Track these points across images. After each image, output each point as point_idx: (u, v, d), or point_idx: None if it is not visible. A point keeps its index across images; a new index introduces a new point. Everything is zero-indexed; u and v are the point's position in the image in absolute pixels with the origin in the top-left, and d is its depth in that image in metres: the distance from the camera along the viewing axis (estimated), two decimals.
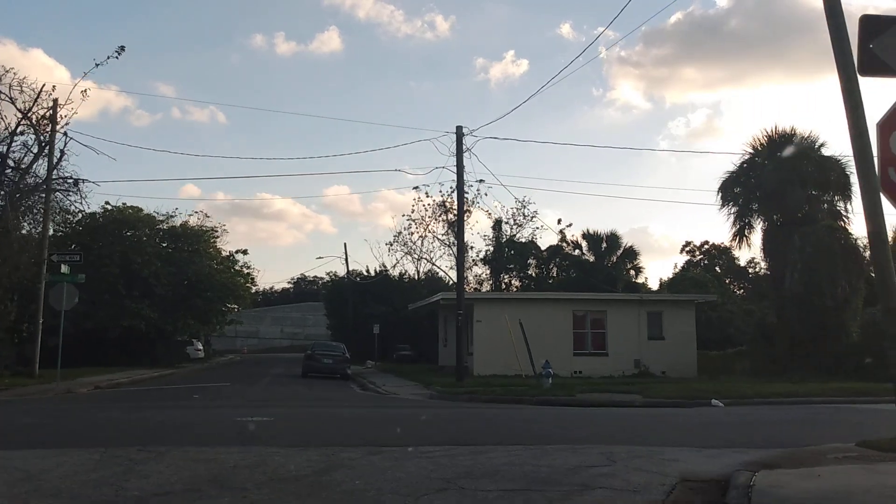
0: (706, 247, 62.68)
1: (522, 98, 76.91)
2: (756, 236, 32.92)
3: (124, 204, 43.80)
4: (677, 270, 59.85)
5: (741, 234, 32.97)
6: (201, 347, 54.62)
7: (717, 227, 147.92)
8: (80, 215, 41.63)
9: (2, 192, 24.35)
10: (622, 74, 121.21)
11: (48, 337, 38.00)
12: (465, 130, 26.15)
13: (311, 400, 21.09)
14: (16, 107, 23.99)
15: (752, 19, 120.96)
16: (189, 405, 17.96)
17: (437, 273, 59.30)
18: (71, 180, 27.33)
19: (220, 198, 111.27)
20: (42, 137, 26.08)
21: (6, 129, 24.06)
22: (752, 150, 32.77)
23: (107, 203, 43.11)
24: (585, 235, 49.38)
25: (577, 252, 50.62)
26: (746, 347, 36.06)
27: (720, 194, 33.25)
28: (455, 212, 56.00)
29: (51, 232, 39.91)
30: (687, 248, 63.32)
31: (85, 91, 26.33)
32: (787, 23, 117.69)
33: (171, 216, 45.64)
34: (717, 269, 61.36)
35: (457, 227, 25.91)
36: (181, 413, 15.51)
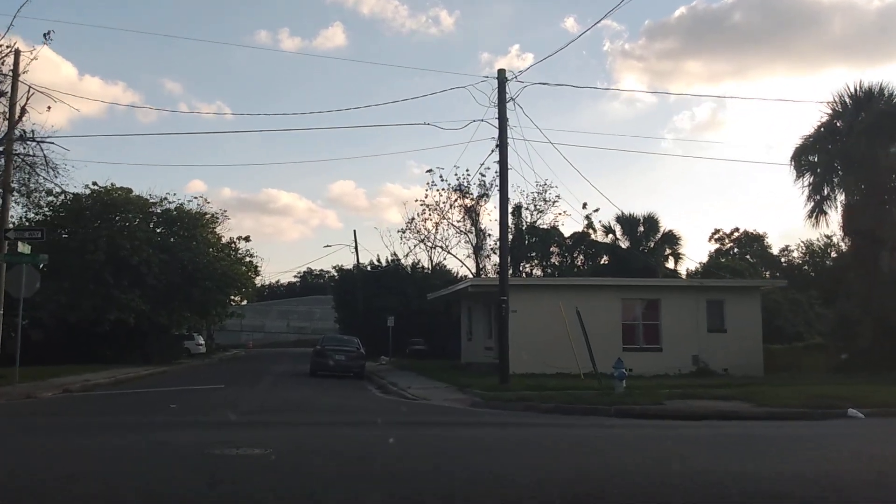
0: (736, 234, 57.30)
1: (529, 93, 70.76)
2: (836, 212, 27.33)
3: (112, 184, 38.37)
4: (702, 261, 54.49)
5: (818, 209, 27.44)
6: (203, 342, 49.23)
7: (733, 215, 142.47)
8: (62, 197, 36.45)
9: None
10: (626, 68, 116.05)
11: (32, 331, 33.11)
12: (508, 75, 20.71)
13: (323, 411, 15.66)
14: None
15: (756, 12, 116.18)
16: (155, 422, 12.51)
17: (446, 265, 54.27)
18: (33, 142, 21.95)
19: (227, 193, 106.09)
20: None
21: None
22: (830, 112, 27.22)
23: (94, 183, 37.75)
24: (620, 219, 43.95)
25: (609, 237, 45.09)
26: (823, 341, 30.54)
27: (793, 163, 27.80)
28: (473, 196, 51.32)
29: (33, 216, 34.82)
30: (716, 236, 57.92)
31: (48, 34, 20.70)
32: (790, 16, 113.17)
33: (165, 199, 40.12)
34: (749, 257, 56.00)
35: (500, 193, 20.62)
36: (133, 441, 10.10)
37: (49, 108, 28.97)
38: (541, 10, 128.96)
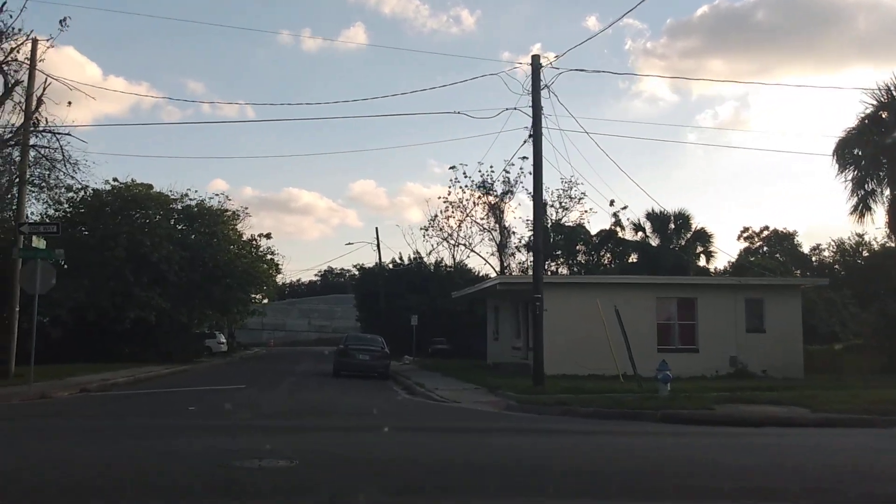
0: (766, 232, 55.70)
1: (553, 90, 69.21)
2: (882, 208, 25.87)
3: (133, 180, 37.58)
4: (731, 259, 52.93)
5: (863, 205, 26.01)
6: (224, 340, 48.31)
7: (762, 212, 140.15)
8: (82, 192, 35.70)
9: None
10: (648, 67, 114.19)
11: (52, 328, 32.37)
12: (542, 62, 19.56)
13: (347, 414, 14.62)
14: None
15: (779, 10, 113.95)
16: (171, 426, 11.51)
17: (467, 264, 53.18)
18: (50, 133, 21.10)
19: (248, 192, 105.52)
20: (10, 78, 19.78)
21: None
22: (875, 103, 25.77)
23: (114, 179, 36.97)
24: (650, 216, 42.52)
25: (639, 235, 43.69)
26: (861, 341, 29.11)
27: (835, 157, 26.39)
28: (497, 193, 50.24)
29: (53, 212, 34.12)
30: (745, 235, 56.32)
31: (64, 20, 19.82)
32: (814, 14, 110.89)
33: (186, 195, 39.25)
34: (778, 255, 54.39)
35: (534, 184, 19.48)
36: (144, 449, 9.10)
37: (69, 102, 28.29)
38: (562, 8, 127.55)
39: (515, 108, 19.98)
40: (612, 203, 45.80)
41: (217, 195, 47.23)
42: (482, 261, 53.29)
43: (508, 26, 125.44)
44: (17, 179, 21.78)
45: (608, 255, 48.95)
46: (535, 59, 19.75)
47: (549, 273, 47.23)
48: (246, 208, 57.20)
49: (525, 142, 20.30)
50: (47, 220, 28.13)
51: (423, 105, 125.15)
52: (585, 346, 24.17)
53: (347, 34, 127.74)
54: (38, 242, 20.21)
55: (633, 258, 46.23)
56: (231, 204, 41.40)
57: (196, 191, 60.97)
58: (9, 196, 23.75)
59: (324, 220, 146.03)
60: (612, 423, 13.73)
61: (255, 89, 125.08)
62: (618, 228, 47.39)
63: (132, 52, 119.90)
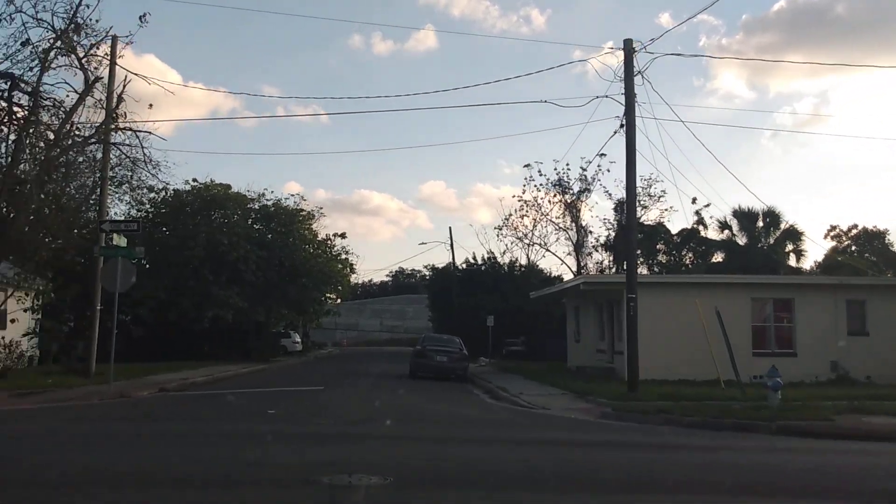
0: (854, 231, 52.64)
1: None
2: None
3: (212, 180, 37.62)
4: (818, 259, 50.14)
5: None
6: (299, 340, 48.15)
7: (850, 210, 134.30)
8: (163, 193, 35.86)
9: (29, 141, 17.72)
10: (723, 63, 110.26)
11: (134, 327, 32.48)
12: (635, 46, 18.22)
13: (436, 422, 13.60)
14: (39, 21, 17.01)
15: (860, 4, 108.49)
16: (251, 432, 10.70)
17: (538, 264, 51.87)
18: (130, 131, 20.78)
19: (321, 195, 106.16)
20: (90, 74, 19.48)
21: (36, 56, 17.23)
22: None
23: (193, 179, 37.06)
24: (737, 213, 40.37)
25: (725, 233, 41.59)
26: None
27: None
28: (573, 191, 48.78)
29: (135, 213, 34.31)
30: (832, 233, 53.34)
31: (143, 16, 19.45)
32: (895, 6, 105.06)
33: (263, 195, 39.11)
34: (868, 255, 51.26)
35: (626, 177, 18.15)
36: (225, 459, 8.25)
37: (150, 105, 28.36)
38: (634, 6, 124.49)
39: (606, 96, 18.69)
40: (693, 201, 43.85)
41: (292, 195, 47.19)
42: (557, 261, 52.10)
43: (579, 25, 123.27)
44: (100, 178, 21.55)
45: (689, 255, 46.94)
46: (628, 43, 18.42)
47: (623, 273, 45.57)
48: (321, 208, 57.18)
49: (615, 132, 19.02)
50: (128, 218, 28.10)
51: (497, 106, 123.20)
52: (677, 350, 22.70)
53: (417, 36, 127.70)
54: (119, 240, 19.92)
55: (718, 258, 44.15)
56: (306, 204, 41.21)
57: (272, 191, 61.21)
58: (92, 198, 23.67)
59: (394, 221, 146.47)
60: (725, 436, 12.39)
61: (329, 94, 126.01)
62: (700, 227, 45.39)
63: (210, 59, 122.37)
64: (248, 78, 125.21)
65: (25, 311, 23.98)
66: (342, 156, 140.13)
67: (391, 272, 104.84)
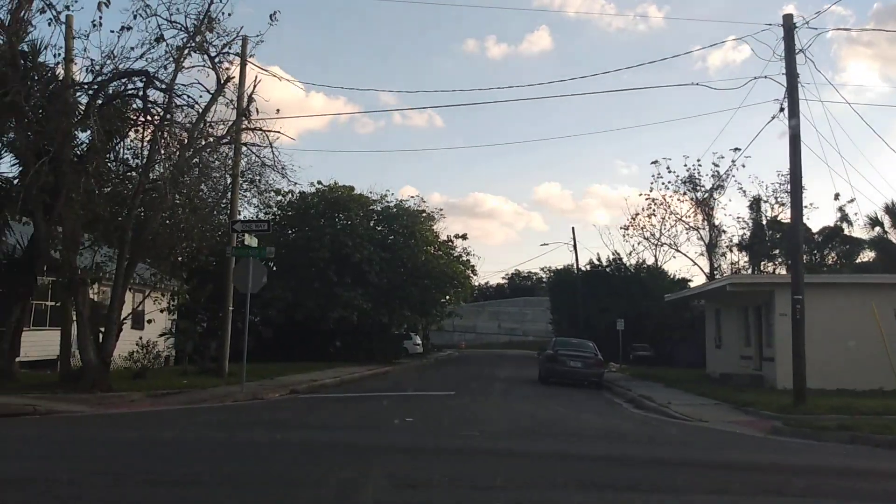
0: None
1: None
2: None
3: (335, 182, 37.57)
4: None
5: None
6: (419, 342, 47.68)
7: None
8: (289, 195, 36.11)
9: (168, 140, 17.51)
10: (852, 55, 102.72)
11: (263, 328, 32.75)
12: (796, 21, 16.25)
13: (593, 438, 12.11)
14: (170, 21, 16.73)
15: None
16: (395, 446, 9.67)
17: (660, 266, 49.35)
18: (260, 131, 20.45)
19: (437, 198, 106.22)
20: (221, 74, 19.21)
21: (170, 55, 17.02)
22: None
23: (318, 182, 37.10)
24: (889, 209, 36.86)
25: (875, 230, 38.02)
26: None
27: None
28: (704, 188, 46.17)
29: (263, 216, 34.59)
30: None
31: (274, 14, 19.03)
32: None
33: (385, 196, 38.76)
34: None
35: (790, 164, 16.23)
36: (373, 481, 7.18)
37: (278, 110, 28.25)
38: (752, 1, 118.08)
39: (765, 77, 16.79)
40: (836, 197, 40.47)
41: (412, 197, 46.77)
42: (684, 263, 49.49)
43: (700, 21, 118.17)
44: (231, 178, 21.43)
45: (832, 255, 43.40)
46: (788, 18, 16.47)
47: (760, 274, 42.56)
48: (440, 210, 56.67)
49: (774, 117, 17.06)
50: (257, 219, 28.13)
51: (617, 105, 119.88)
52: (839, 356, 20.33)
53: (531, 38, 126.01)
54: (251, 241, 19.63)
55: (865, 257, 40.52)
56: (425, 206, 40.57)
57: (392, 192, 61.08)
58: (224, 202, 23.68)
59: (509, 223, 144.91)
60: None
61: (444, 98, 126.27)
62: (844, 224, 41.81)
63: (330, 70, 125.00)
64: (365, 85, 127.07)
65: (162, 311, 24.28)
66: (456, 160, 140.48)
67: (507, 274, 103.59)
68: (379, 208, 38.89)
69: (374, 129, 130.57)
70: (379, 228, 38.70)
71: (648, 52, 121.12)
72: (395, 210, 38.78)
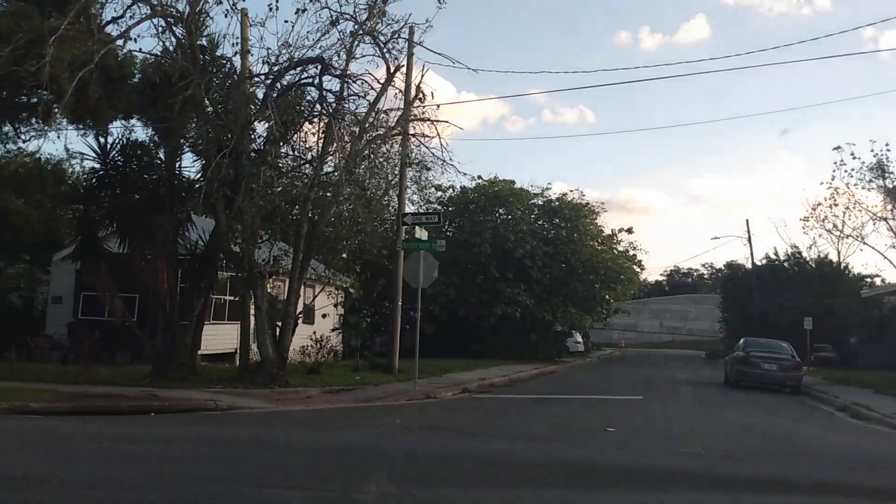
0: None
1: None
2: None
3: (496, 176, 36.59)
4: None
5: None
6: (580, 340, 45.92)
7: None
8: (450, 190, 35.53)
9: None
10: None
11: (426, 324, 32.31)
12: None
13: (833, 456, 10.17)
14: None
15: None
16: (613, 465, 8.27)
17: (844, 260, 44.92)
18: (427, 121, 19.61)
19: (589, 195, 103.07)
20: (390, 63, 18.51)
21: (342, 44, 16.44)
22: None
23: (478, 176, 36.25)
24: None
25: None
26: None
27: None
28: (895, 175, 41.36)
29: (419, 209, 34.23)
30: None
31: None
32: None
33: (546, 189, 37.37)
34: None
35: None
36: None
37: (438, 106, 27.44)
38: None
39: None
40: None
41: (572, 191, 44.94)
42: (873, 256, 44.81)
43: (867, 3, 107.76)
44: (398, 171, 20.79)
45: None
46: None
47: None
48: (603, 203, 54.55)
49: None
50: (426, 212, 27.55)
51: (783, 92, 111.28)
52: None
53: (687, 27, 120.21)
54: (421, 233, 18.90)
55: None
56: (586, 199, 38.73)
57: (550, 186, 59.21)
58: (386, 198, 23.17)
59: (664, 218, 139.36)
60: None
61: (596, 94, 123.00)
62: None
63: (482, 65, 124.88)
64: (517, 85, 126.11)
65: (335, 306, 24.16)
66: (609, 156, 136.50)
67: (665, 271, 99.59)
68: (540, 202, 37.61)
69: (523, 126, 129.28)
70: (540, 223, 37.39)
71: (813, 35, 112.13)
72: (556, 204, 37.31)
